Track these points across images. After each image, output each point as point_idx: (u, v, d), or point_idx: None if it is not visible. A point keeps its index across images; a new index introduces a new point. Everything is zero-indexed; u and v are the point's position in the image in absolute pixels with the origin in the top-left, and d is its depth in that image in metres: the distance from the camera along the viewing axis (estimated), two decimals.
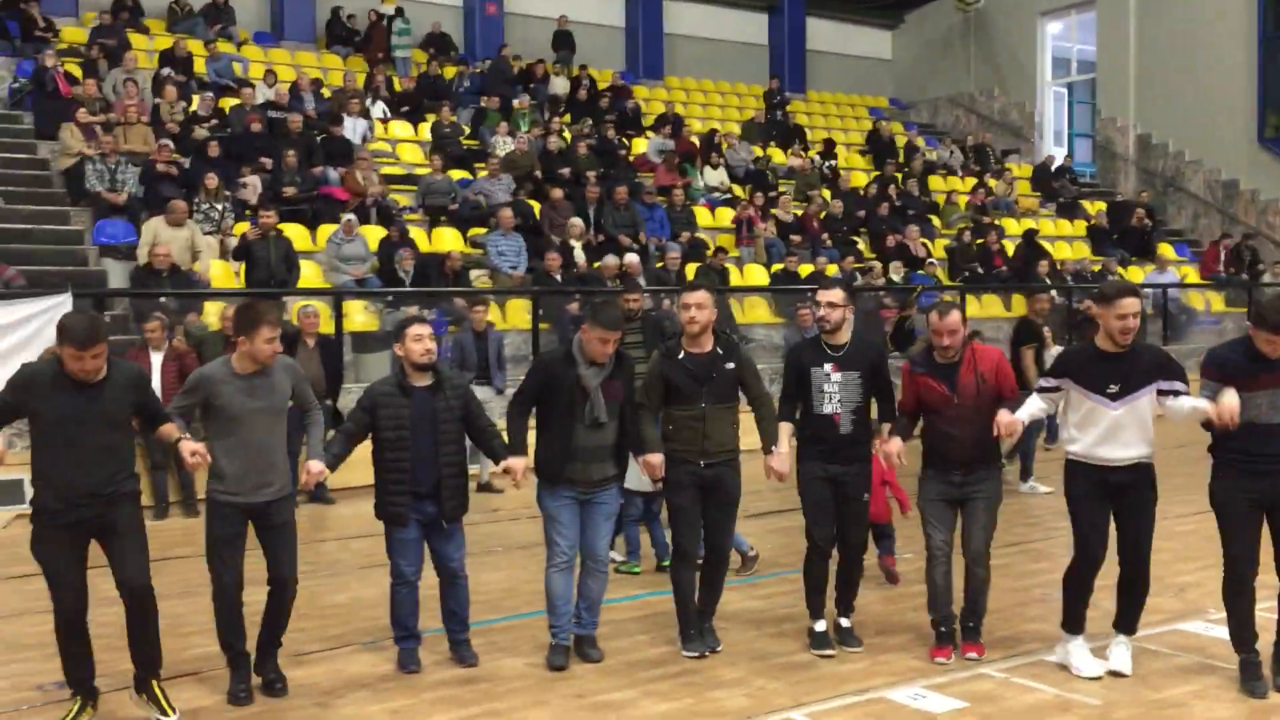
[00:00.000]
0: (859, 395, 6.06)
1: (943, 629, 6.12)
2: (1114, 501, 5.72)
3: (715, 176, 19.07)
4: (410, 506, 5.80)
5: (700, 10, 25.98)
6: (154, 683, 5.28)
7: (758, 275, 16.48)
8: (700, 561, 6.28)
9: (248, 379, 5.44)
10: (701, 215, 17.72)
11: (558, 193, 15.84)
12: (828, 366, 6.05)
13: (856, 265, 16.82)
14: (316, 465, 5.70)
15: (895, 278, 16.67)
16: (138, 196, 13.48)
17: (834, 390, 6.03)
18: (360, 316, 12.57)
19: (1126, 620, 5.90)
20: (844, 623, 6.33)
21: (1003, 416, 5.76)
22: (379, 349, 12.02)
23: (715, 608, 6.35)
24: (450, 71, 19.92)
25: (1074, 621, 5.91)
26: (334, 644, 6.45)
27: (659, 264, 15.21)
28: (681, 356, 6.06)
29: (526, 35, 23.00)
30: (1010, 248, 19.00)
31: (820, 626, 6.25)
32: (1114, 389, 5.61)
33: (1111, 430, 5.63)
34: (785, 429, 6.20)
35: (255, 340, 5.38)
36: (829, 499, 6.09)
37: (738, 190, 19.14)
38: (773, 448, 6.10)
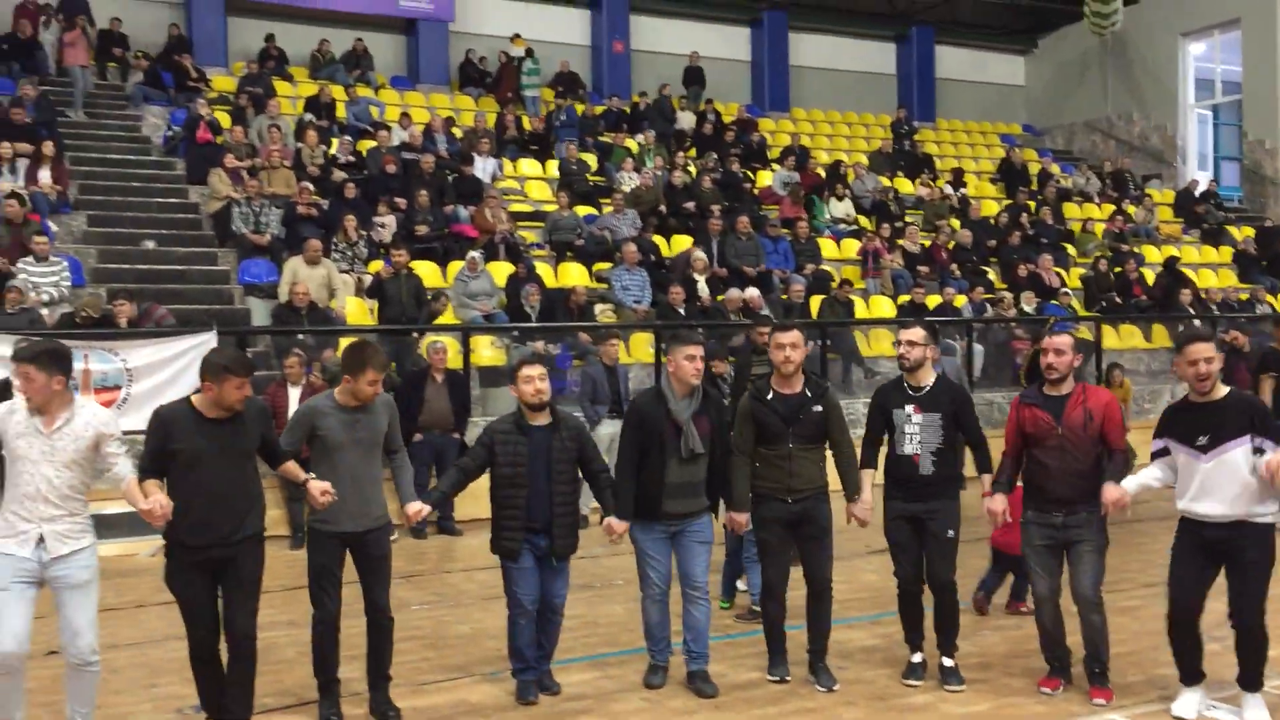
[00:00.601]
0: (940, 437, 6.06)
1: (1055, 664, 6.09)
2: (1214, 558, 5.53)
3: (841, 208, 18.95)
4: (523, 541, 5.95)
5: (826, 42, 25.94)
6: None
7: (884, 307, 16.28)
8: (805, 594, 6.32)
9: (350, 413, 5.67)
10: (826, 247, 17.62)
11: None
12: (909, 408, 6.09)
13: (986, 296, 16.48)
14: (414, 506, 5.87)
15: (1027, 309, 16.27)
16: (280, 237, 14.08)
17: (915, 431, 6.06)
18: (488, 351, 12.85)
19: (1246, 677, 5.65)
20: (946, 662, 6.26)
21: (1109, 493, 5.67)
22: (506, 383, 12.23)
23: (826, 644, 6.32)
24: (579, 109, 20.28)
25: (1184, 673, 5.75)
26: (456, 674, 6.58)
27: (783, 296, 15.17)
28: (771, 397, 6.14)
29: (653, 71, 23.33)
30: (1150, 276, 18.37)
31: (917, 658, 6.28)
32: (1203, 440, 5.46)
33: (1204, 485, 5.47)
34: (867, 475, 6.23)
35: (359, 380, 5.60)
36: (911, 538, 6.13)
37: (864, 221, 18.98)
38: (856, 496, 6.15)
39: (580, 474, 6.13)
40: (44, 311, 11.39)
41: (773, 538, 6.17)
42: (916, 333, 6.15)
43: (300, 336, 11.47)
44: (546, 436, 5.95)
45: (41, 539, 5.04)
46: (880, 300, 16.50)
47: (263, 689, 6.19)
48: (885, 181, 20.42)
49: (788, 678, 6.26)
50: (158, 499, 5.08)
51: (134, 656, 7.06)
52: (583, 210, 16.73)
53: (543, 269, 14.78)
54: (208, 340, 10.52)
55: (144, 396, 10.18)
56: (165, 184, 15.74)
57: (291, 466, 5.65)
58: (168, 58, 18.28)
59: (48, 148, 14.13)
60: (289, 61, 19.80)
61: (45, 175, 13.97)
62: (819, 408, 6.12)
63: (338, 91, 18.42)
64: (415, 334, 12.37)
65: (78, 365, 10.14)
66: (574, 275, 15.04)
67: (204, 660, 5.40)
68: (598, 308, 14.27)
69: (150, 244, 14.19)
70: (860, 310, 15.86)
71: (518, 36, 21.17)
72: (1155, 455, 5.78)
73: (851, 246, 17.87)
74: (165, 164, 16.15)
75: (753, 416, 6.15)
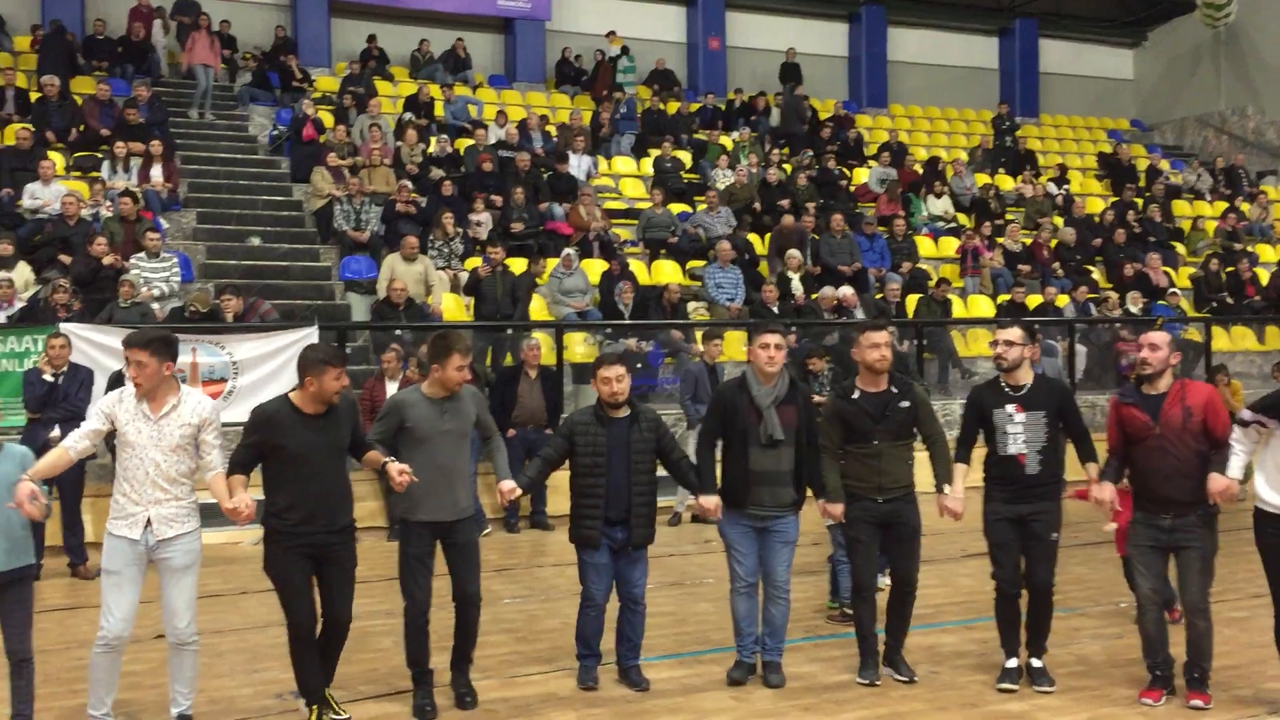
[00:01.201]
0: (1044, 435, 5.98)
1: (1157, 673, 5.93)
2: None
3: (939, 205, 18.65)
4: (601, 531, 6.02)
5: (926, 36, 25.55)
6: (326, 691, 5.67)
7: (983, 307, 15.97)
8: (889, 593, 6.34)
9: (438, 403, 5.77)
10: (924, 245, 17.36)
11: (788, 220, 15.85)
12: (1010, 407, 6.02)
13: (1090, 296, 16.06)
14: (508, 484, 5.95)
15: (1134, 309, 15.82)
16: (379, 234, 14.35)
17: (1018, 431, 5.98)
18: (581, 348, 12.92)
19: None
20: (1035, 663, 6.19)
21: (1214, 484, 5.55)
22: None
23: (904, 639, 6.33)
24: (673, 107, 20.29)
25: None
26: (545, 667, 6.62)
27: (878, 295, 14.99)
28: (857, 396, 6.15)
29: (749, 68, 23.24)
30: (1264, 276, 17.71)
31: (1011, 663, 6.19)
32: None
33: None
34: (960, 469, 6.16)
35: (447, 368, 5.71)
36: (1013, 540, 6.05)
37: (963, 219, 18.65)
38: (945, 487, 6.08)
39: (660, 466, 6.20)
40: (155, 306, 11.77)
41: (863, 535, 6.17)
42: (1014, 332, 6.09)
43: (398, 332, 11.67)
44: (625, 428, 6.03)
45: (149, 522, 5.20)
46: (979, 299, 16.19)
47: (358, 677, 6.36)
48: (985, 178, 20.03)
49: (877, 681, 6.21)
50: (243, 499, 5.24)
51: (236, 641, 7.26)
52: (677, 208, 16.74)
53: (636, 266, 14.81)
54: (310, 335, 10.79)
55: (249, 389, 10.48)
56: (270, 182, 16.15)
57: (373, 454, 5.72)
58: (274, 59, 18.76)
59: (159, 147, 14.60)
60: (390, 61, 20.17)
61: (157, 174, 14.44)
62: (906, 403, 6.11)
63: (436, 91, 18.70)
64: (510, 330, 12.50)
65: (186, 359, 10.53)
66: (667, 273, 15.05)
67: (304, 646, 5.52)
68: (690, 305, 14.27)
69: (255, 240, 14.59)
70: (958, 309, 15.59)
71: (613, 34, 21.24)
72: (1242, 424, 5.65)
73: (950, 245, 17.58)
74: (271, 163, 16.57)
75: (839, 416, 6.17)
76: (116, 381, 9.02)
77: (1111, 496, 5.93)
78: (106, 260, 11.97)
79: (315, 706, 5.59)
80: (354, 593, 5.63)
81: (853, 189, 18.68)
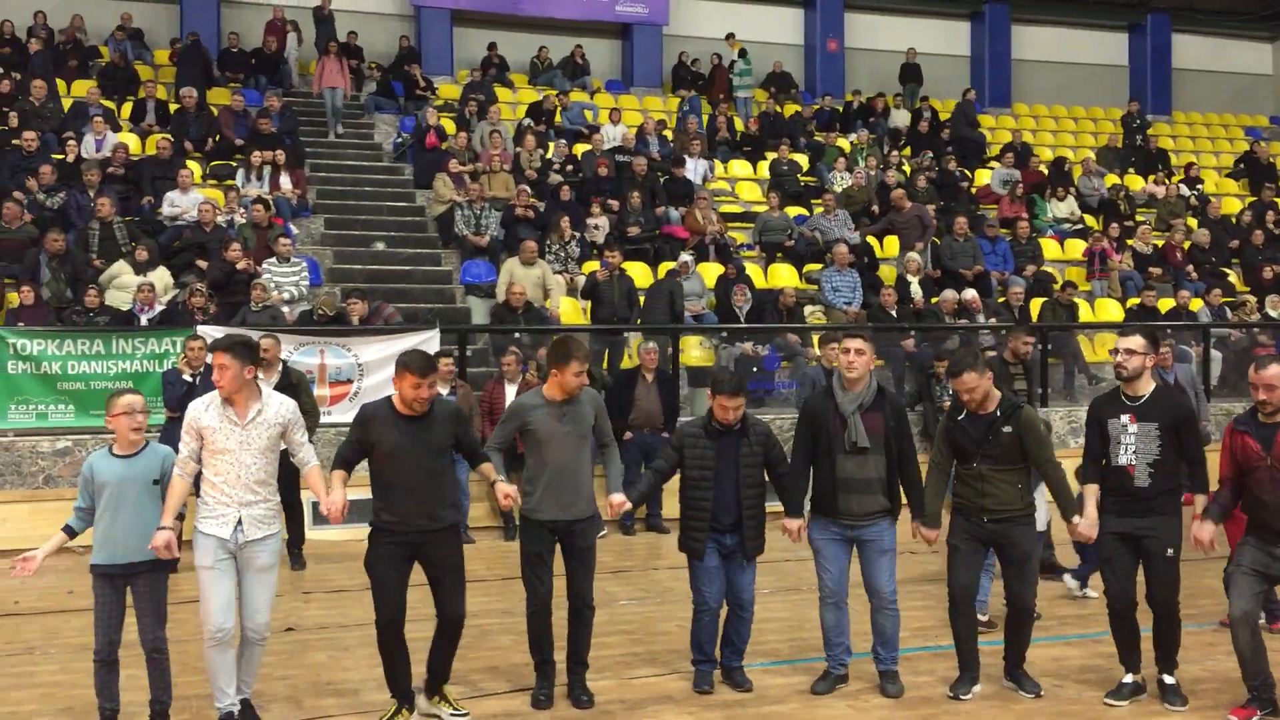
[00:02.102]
0: (1157, 448, 5.80)
1: (1254, 693, 5.72)
2: None
3: (1064, 207, 18.14)
4: (709, 541, 6.07)
5: (1052, 33, 24.89)
6: (444, 687, 5.79)
7: (1111, 311, 15.49)
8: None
9: (558, 406, 5.89)
10: (1049, 248, 16.91)
11: (902, 197, 15.64)
12: (1125, 417, 5.86)
13: (1226, 299, 15.45)
14: (618, 497, 6.05)
15: (1273, 313, 15.17)
16: (498, 239, 14.59)
17: (1130, 442, 5.83)
18: (696, 352, 12.93)
19: None
20: (1166, 679, 6.00)
21: None
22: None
23: (1024, 654, 6.20)
24: (790, 109, 20.17)
25: None
26: (661, 669, 6.66)
27: (1000, 299, 14.66)
28: (962, 417, 6.06)
29: (868, 69, 22.97)
30: None
31: (1128, 679, 6.05)
32: None
33: None
34: (1091, 491, 5.97)
35: (565, 373, 5.82)
36: (1122, 555, 5.90)
37: (1090, 221, 18.11)
38: (1075, 517, 5.93)
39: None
40: (285, 309, 12.17)
41: (963, 545, 6.06)
42: (1135, 341, 5.92)
43: (516, 335, 11.84)
44: (735, 442, 6.07)
45: (239, 522, 5.39)
46: (1106, 303, 15.70)
47: (479, 674, 6.48)
48: (1114, 179, 19.43)
49: (964, 696, 6.07)
50: (337, 497, 5.43)
51: (362, 636, 7.41)
52: (793, 211, 16.63)
53: (752, 270, 14.76)
54: (431, 338, 11.03)
55: (373, 390, 10.72)
56: (394, 189, 16.54)
57: (486, 467, 5.87)
58: (398, 68, 19.21)
59: (289, 156, 15.08)
60: (509, 68, 20.49)
61: (287, 181, 14.93)
62: (1009, 429, 5.94)
63: (554, 95, 18.91)
64: (626, 334, 12.58)
65: (314, 360, 10.88)
66: (783, 276, 14.97)
67: (390, 642, 5.62)
68: (807, 309, 14.16)
69: (380, 245, 14.96)
70: (1084, 314, 15.15)
71: (731, 37, 21.20)
72: None
73: (1076, 247, 17.10)
74: (395, 169, 16.98)
75: (948, 432, 6.10)
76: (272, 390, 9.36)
77: (1210, 537, 5.72)
78: (240, 265, 12.42)
79: (397, 701, 5.69)
80: (463, 589, 5.71)
81: (974, 191, 18.30)
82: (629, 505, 6.10)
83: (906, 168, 18.17)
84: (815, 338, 12.22)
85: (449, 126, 17.11)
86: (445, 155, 16.03)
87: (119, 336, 10.57)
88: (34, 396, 10.15)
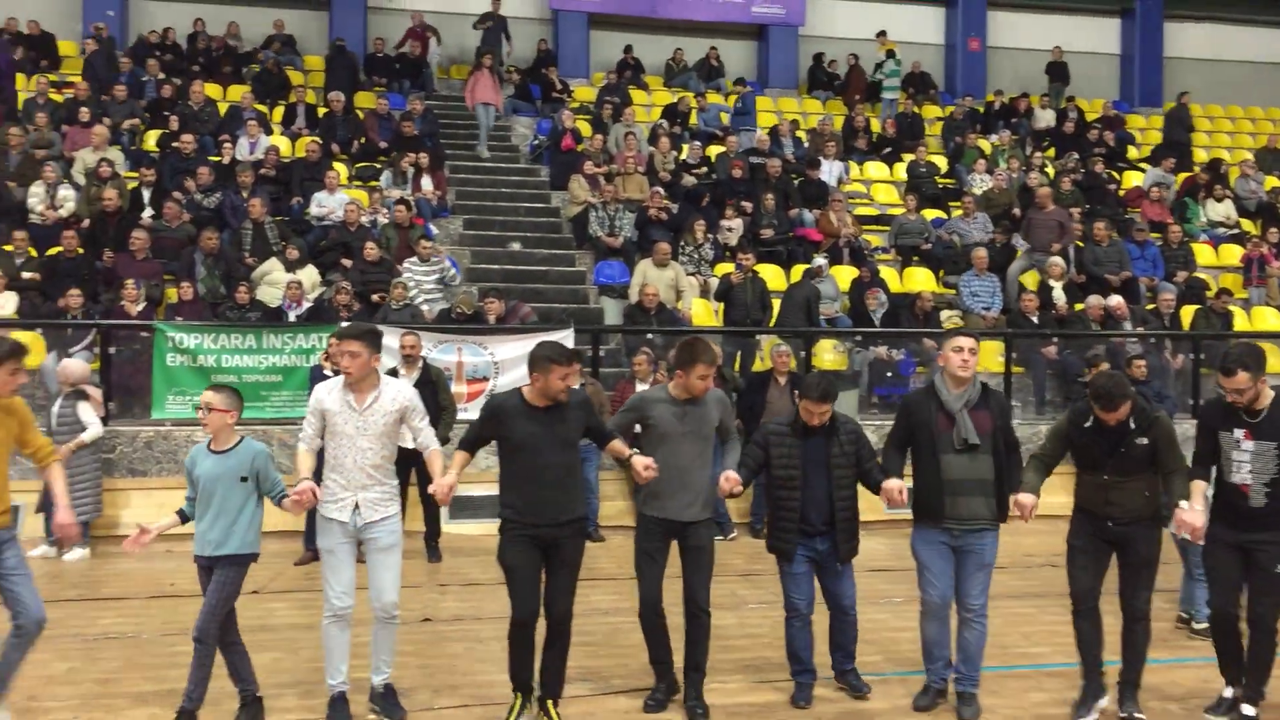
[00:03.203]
0: (1275, 468, 5.48)
1: None
2: None
3: (1220, 210, 17.38)
4: (799, 544, 5.96)
5: (1208, 30, 23.89)
6: (550, 703, 5.71)
7: (1269, 319, 14.78)
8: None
9: (681, 405, 5.87)
10: (1202, 253, 16.23)
11: (1046, 196, 15.18)
12: (1239, 433, 5.56)
13: None
14: (732, 475, 5.88)
15: None
16: (632, 240, 14.68)
17: (1244, 459, 5.53)
18: (830, 355, 12.78)
19: None
20: (1246, 710, 5.70)
21: None
22: (847, 387, 12.17)
23: (1138, 674, 5.89)
24: (930, 110, 19.79)
25: None
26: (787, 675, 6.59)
27: (1149, 306, 14.12)
28: (1089, 424, 5.75)
29: (1010, 68, 22.41)
30: None
31: (1228, 693, 5.85)
32: None
33: None
34: (1198, 486, 5.69)
35: (690, 374, 5.81)
36: (1232, 568, 5.64)
37: (1247, 225, 17.30)
38: (1183, 502, 5.58)
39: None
40: (424, 308, 12.46)
41: (1082, 544, 5.84)
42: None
43: (649, 336, 11.90)
44: (823, 440, 5.94)
45: (357, 506, 5.56)
46: (1264, 311, 14.99)
47: (609, 671, 6.52)
48: (1275, 181, 18.52)
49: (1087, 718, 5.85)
50: (449, 479, 5.51)
51: (497, 629, 7.52)
52: (930, 214, 16.32)
53: (887, 273, 14.54)
54: (566, 337, 11.15)
55: (509, 387, 10.91)
56: (531, 190, 16.80)
57: (617, 444, 5.84)
58: (536, 71, 19.52)
59: (431, 159, 15.45)
60: (645, 70, 20.61)
61: (427, 183, 15.30)
62: (1144, 440, 5.66)
63: (689, 97, 18.95)
64: (758, 337, 12.52)
65: (451, 358, 11.12)
66: (920, 280, 14.70)
67: (521, 634, 5.62)
68: (944, 314, 13.87)
69: (516, 246, 15.21)
70: (1240, 322, 14.48)
71: (883, 35, 20.90)
72: None
73: (1232, 252, 16.36)
74: (531, 171, 17.25)
75: (1068, 440, 5.86)
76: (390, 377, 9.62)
77: None
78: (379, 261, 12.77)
79: (520, 695, 5.72)
80: (575, 587, 5.69)
81: (1122, 193, 17.67)
82: (741, 485, 5.92)
83: (1050, 169, 17.65)
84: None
85: (585, 129, 17.29)
86: (581, 157, 16.21)
87: (269, 331, 10.99)
88: (190, 388, 10.60)
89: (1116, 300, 13.66)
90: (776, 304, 13.22)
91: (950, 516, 5.78)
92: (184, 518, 5.64)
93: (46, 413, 9.47)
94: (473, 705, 6.03)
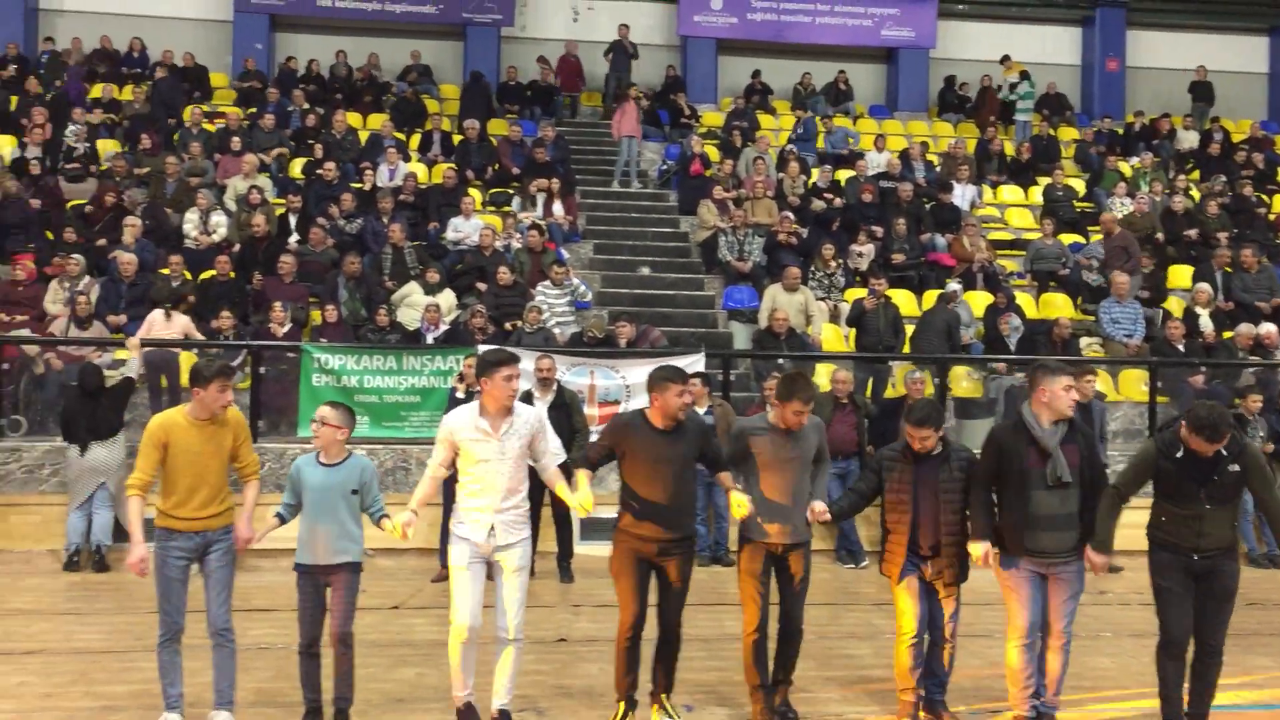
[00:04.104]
0: None
1: None
2: None
3: None
4: (907, 566, 6.04)
5: None
6: (664, 696, 6.07)
7: None
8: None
9: (781, 434, 6.03)
10: None
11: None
12: None
13: None
14: (819, 505, 6.06)
15: None
16: (761, 265, 14.68)
17: None
18: (965, 383, 12.55)
19: None
20: None
21: None
22: (982, 415, 11.94)
23: (1206, 709, 5.83)
24: (1067, 133, 19.34)
25: None
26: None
27: None
28: (1180, 455, 5.66)
29: (1150, 88, 21.78)
30: None
31: None
32: None
33: None
34: None
35: (785, 409, 5.97)
36: None
37: None
38: None
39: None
40: (556, 331, 12.65)
41: (1174, 585, 5.75)
42: None
43: (779, 361, 11.86)
44: (935, 466, 6.00)
45: (493, 528, 5.74)
46: None
47: (702, 689, 6.50)
48: None
49: None
50: (583, 496, 5.75)
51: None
52: (1068, 238, 15.92)
53: (1023, 299, 14.23)
54: (696, 361, 11.20)
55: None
56: (659, 214, 16.94)
57: (725, 476, 6.13)
58: (664, 97, 19.70)
59: (562, 184, 15.71)
60: (773, 94, 20.63)
61: (559, 208, 15.55)
62: (1236, 467, 5.62)
63: (818, 120, 18.88)
64: (890, 363, 12.38)
65: (584, 380, 11.25)
66: (1057, 306, 14.35)
67: (631, 642, 5.89)
68: (1083, 341, 13.50)
69: (645, 270, 15.35)
70: None
71: (1007, 59, 20.57)
72: None
73: None
74: (659, 196, 17.40)
75: (1155, 472, 5.77)
76: (524, 400, 9.80)
77: None
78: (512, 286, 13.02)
79: (622, 705, 5.94)
80: (685, 599, 5.99)
81: (1272, 218, 16.98)
82: (828, 515, 6.09)
83: (1195, 193, 17.06)
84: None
85: (713, 153, 17.37)
86: (709, 182, 16.28)
87: (409, 353, 11.27)
88: None
89: (1268, 328, 13.11)
90: (909, 329, 13.05)
91: (1034, 551, 5.82)
92: (282, 520, 5.94)
93: None
94: None
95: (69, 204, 14.58)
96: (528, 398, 9.89)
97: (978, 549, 5.93)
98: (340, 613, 5.88)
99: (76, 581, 9.38)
